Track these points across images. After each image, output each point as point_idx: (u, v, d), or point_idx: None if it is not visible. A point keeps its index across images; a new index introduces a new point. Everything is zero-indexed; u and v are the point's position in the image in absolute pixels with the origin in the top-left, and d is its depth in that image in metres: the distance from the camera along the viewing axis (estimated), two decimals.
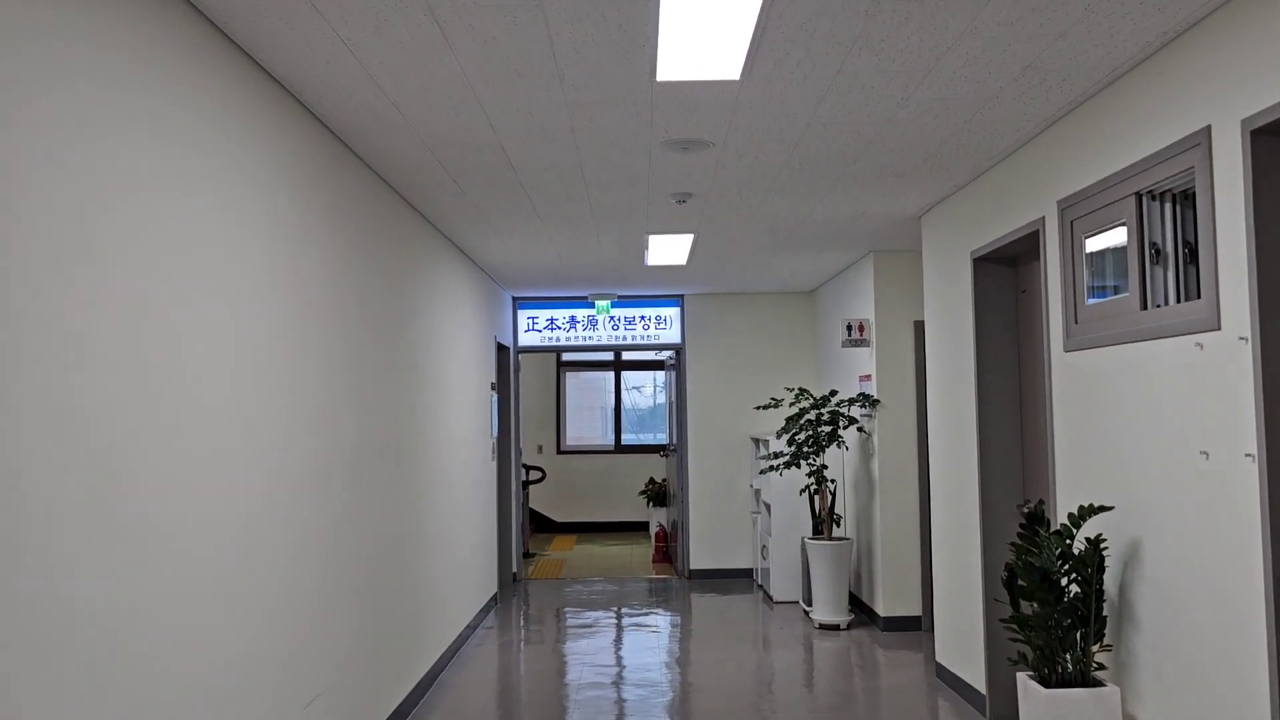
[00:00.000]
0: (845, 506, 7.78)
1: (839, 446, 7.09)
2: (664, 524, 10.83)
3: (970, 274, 4.90)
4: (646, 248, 6.68)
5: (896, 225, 6.02)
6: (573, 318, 9.24)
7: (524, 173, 4.60)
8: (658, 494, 11.26)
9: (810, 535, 7.31)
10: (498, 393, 8.64)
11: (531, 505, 12.85)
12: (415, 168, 4.50)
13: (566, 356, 13.13)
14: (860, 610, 7.36)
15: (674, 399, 9.53)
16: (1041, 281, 4.08)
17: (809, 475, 7.14)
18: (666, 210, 5.50)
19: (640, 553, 11.18)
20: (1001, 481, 4.78)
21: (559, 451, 12.98)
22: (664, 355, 9.91)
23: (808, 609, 7.30)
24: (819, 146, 4.28)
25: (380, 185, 4.62)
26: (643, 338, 9.21)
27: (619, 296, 9.15)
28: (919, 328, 6.88)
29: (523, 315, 9.24)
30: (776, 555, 7.94)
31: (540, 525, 12.91)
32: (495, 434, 8.03)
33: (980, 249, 4.76)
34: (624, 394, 13.28)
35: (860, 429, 7.18)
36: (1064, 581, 3.44)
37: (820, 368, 8.90)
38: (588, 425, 13.54)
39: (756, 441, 8.90)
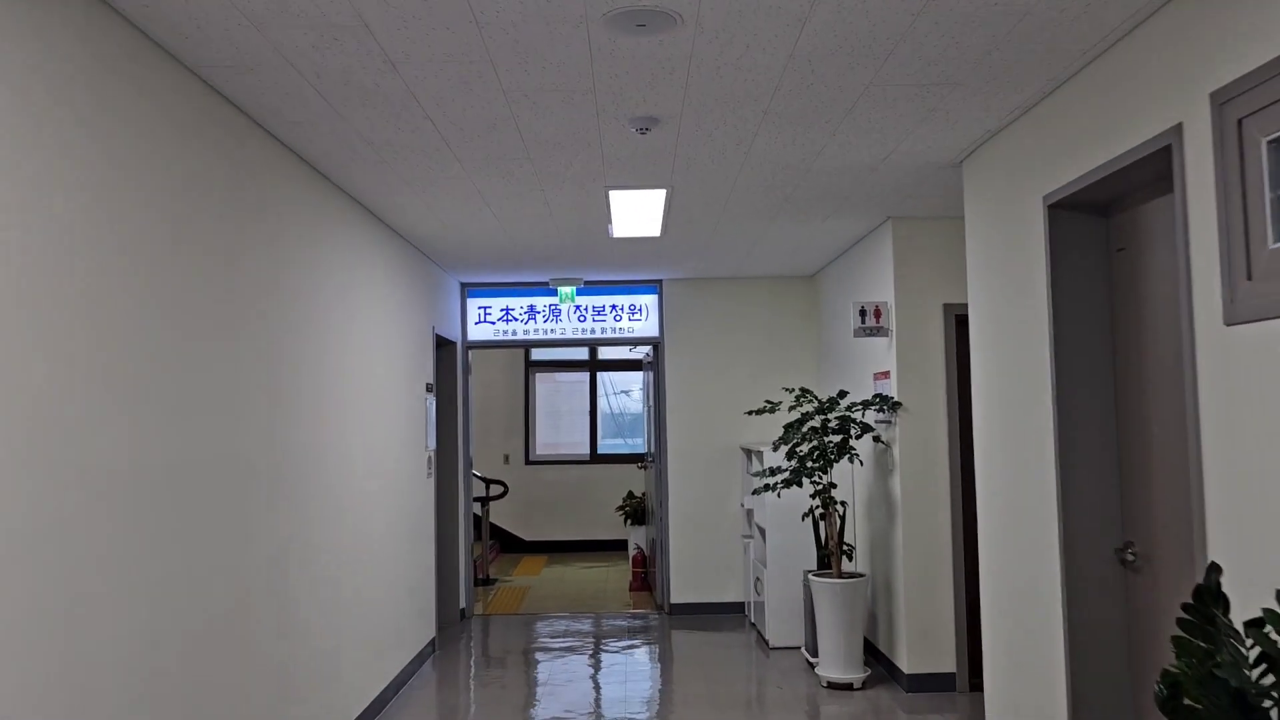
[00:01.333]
0: (858, 535, 6.39)
1: (850, 460, 5.71)
2: (642, 546, 9.44)
3: (1043, 227, 3.52)
4: (610, 212, 5.30)
5: (926, 179, 4.66)
6: (532, 307, 7.86)
7: (409, 73, 3.22)
8: (636, 511, 9.88)
9: (815, 570, 5.93)
10: (438, 395, 7.25)
11: (497, 523, 11.46)
12: (250, 66, 3.11)
13: (536, 355, 11.74)
14: (878, 662, 5.97)
15: (652, 402, 8.14)
16: (1179, 223, 2.71)
17: (813, 496, 5.76)
18: (627, 147, 4.12)
19: (617, 577, 9.79)
20: (1092, 517, 3.40)
21: (528, 462, 11.59)
22: (640, 352, 8.53)
23: (812, 660, 5.91)
24: (836, 28, 2.91)
25: (226, 109, 3.24)
26: (615, 331, 7.83)
27: (585, 282, 7.77)
28: (951, 312, 5.51)
29: (473, 305, 7.85)
30: (773, 591, 6.56)
31: (507, 544, 11.51)
32: (433, 445, 6.64)
33: (1059, 191, 3.39)
34: (601, 398, 11.89)
35: (877, 438, 5.80)
36: (1267, 705, 2.06)
37: (825, 367, 7.53)
38: (561, 432, 12.15)
39: (749, 453, 7.53)
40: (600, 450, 11.72)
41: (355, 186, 4.71)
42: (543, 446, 12.02)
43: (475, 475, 9.92)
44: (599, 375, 11.83)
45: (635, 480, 11.35)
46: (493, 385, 11.58)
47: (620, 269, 7.32)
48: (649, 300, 7.87)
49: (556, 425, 12.21)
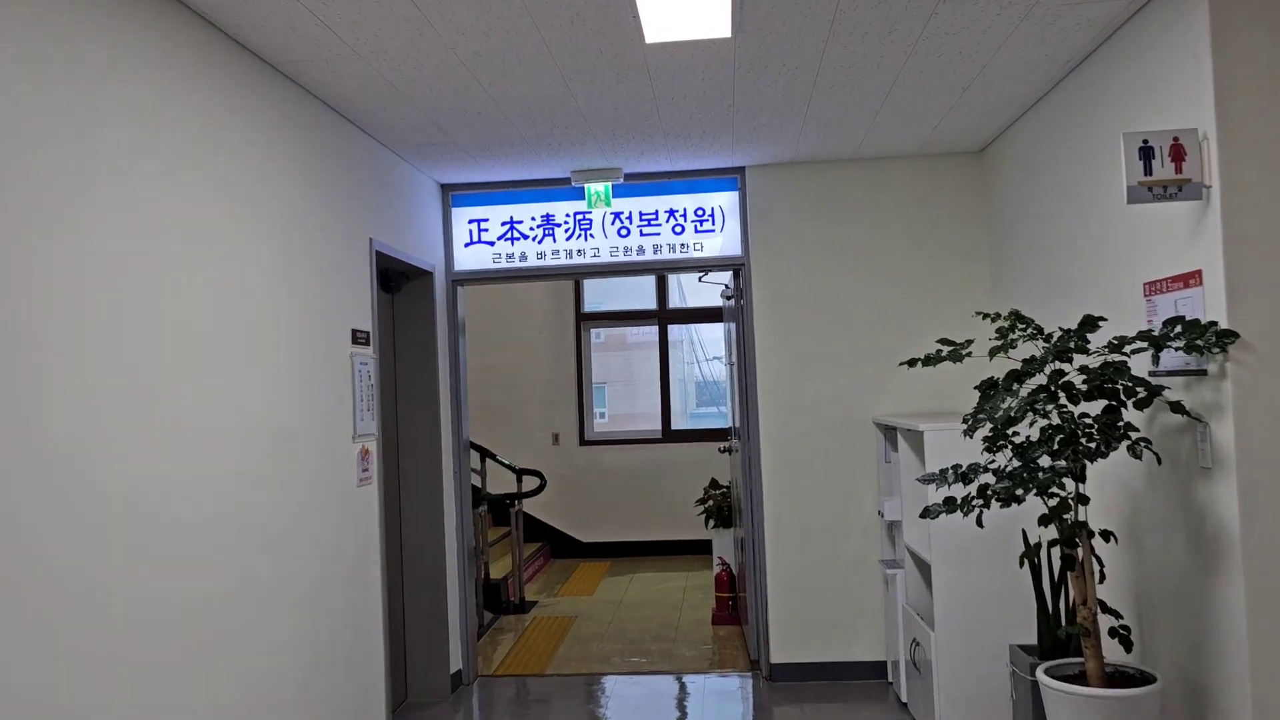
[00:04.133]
0: (1125, 594, 3.56)
1: (1133, 452, 2.88)
2: (729, 561, 6.78)
3: None
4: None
5: None
6: (548, 218, 5.20)
7: None
8: (719, 509, 7.20)
9: (1045, 661, 3.17)
10: (397, 351, 4.69)
11: (545, 520, 8.93)
12: None
13: (589, 303, 9.11)
14: None
15: (734, 357, 5.43)
16: None
17: (1046, 520, 2.99)
18: None
19: (696, 597, 7.16)
20: None
21: (583, 442, 9.01)
22: (714, 281, 5.78)
23: None
24: None
25: None
26: (674, 250, 5.13)
27: (625, 176, 5.09)
28: None
29: (460, 218, 5.24)
30: (948, 670, 3.82)
31: (560, 548, 8.98)
32: (371, 429, 4.07)
33: None
34: (676, 360, 9.21)
35: (1178, 407, 2.94)
36: None
37: (1009, 289, 4.69)
38: (627, 403, 9.55)
39: (888, 432, 4.78)
40: (675, 425, 9.06)
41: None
42: (601, 424, 9.43)
43: (501, 463, 7.38)
44: (670, 330, 9.14)
45: (720, 464, 8.68)
46: (532, 345, 9.01)
47: (678, 149, 4.62)
48: (724, 200, 5.14)
49: (620, 395, 9.60)
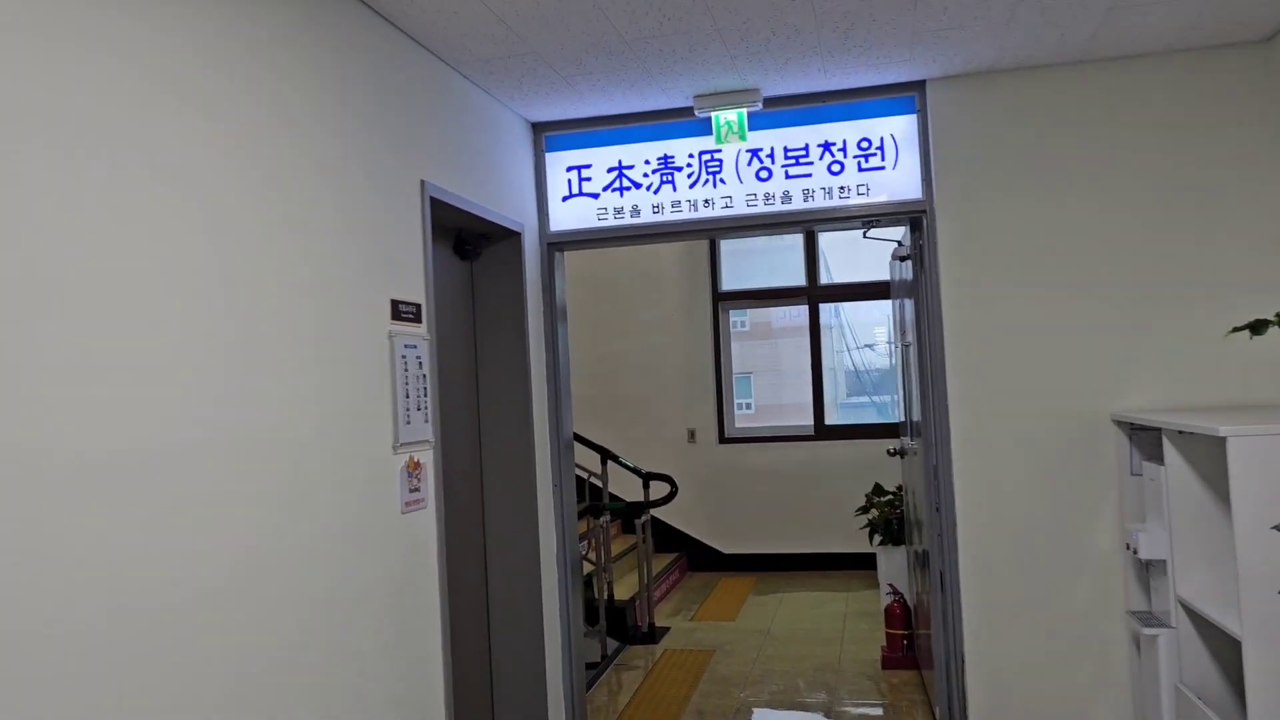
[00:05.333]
0: None
1: None
2: (902, 591, 5.50)
3: None
4: None
5: None
6: (665, 159, 4.07)
7: None
8: (887, 523, 5.92)
9: None
10: (468, 329, 3.67)
11: (682, 528, 7.83)
12: None
13: (727, 281, 7.94)
14: None
15: (915, 334, 4.16)
16: None
17: None
18: None
19: (860, 624, 5.91)
20: None
21: (723, 439, 7.86)
22: (882, 236, 4.48)
23: None
24: None
25: None
26: (831, 195, 3.91)
27: (764, 103, 3.89)
28: None
29: (556, 165, 4.17)
30: None
31: (698, 559, 7.87)
32: (429, 435, 3.04)
33: None
34: (828, 346, 7.94)
35: None
36: None
37: None
38: (774, 394, 8.35)
39: (1140, 435, 3.43)
40: (830, 421, 7.79)
41: None
42: (746, 414, 8.25)
43: (625, 466, 6.32)
44: (822, 310, 7.86)
45: (887, 468, 7.37)
46: (664, 328, 7.91)
47: (834, 56, 3.40)
48: (898, 126, 3.87)
49: (766, 386, 8.40)
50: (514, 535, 3.87)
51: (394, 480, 2.82)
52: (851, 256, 7.86)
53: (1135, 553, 3.26)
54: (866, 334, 8.34)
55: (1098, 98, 3.68)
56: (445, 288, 3.66)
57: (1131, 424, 3.51)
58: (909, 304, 4.21)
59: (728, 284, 7.91)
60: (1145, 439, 3.47)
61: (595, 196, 4.11)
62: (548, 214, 4.14)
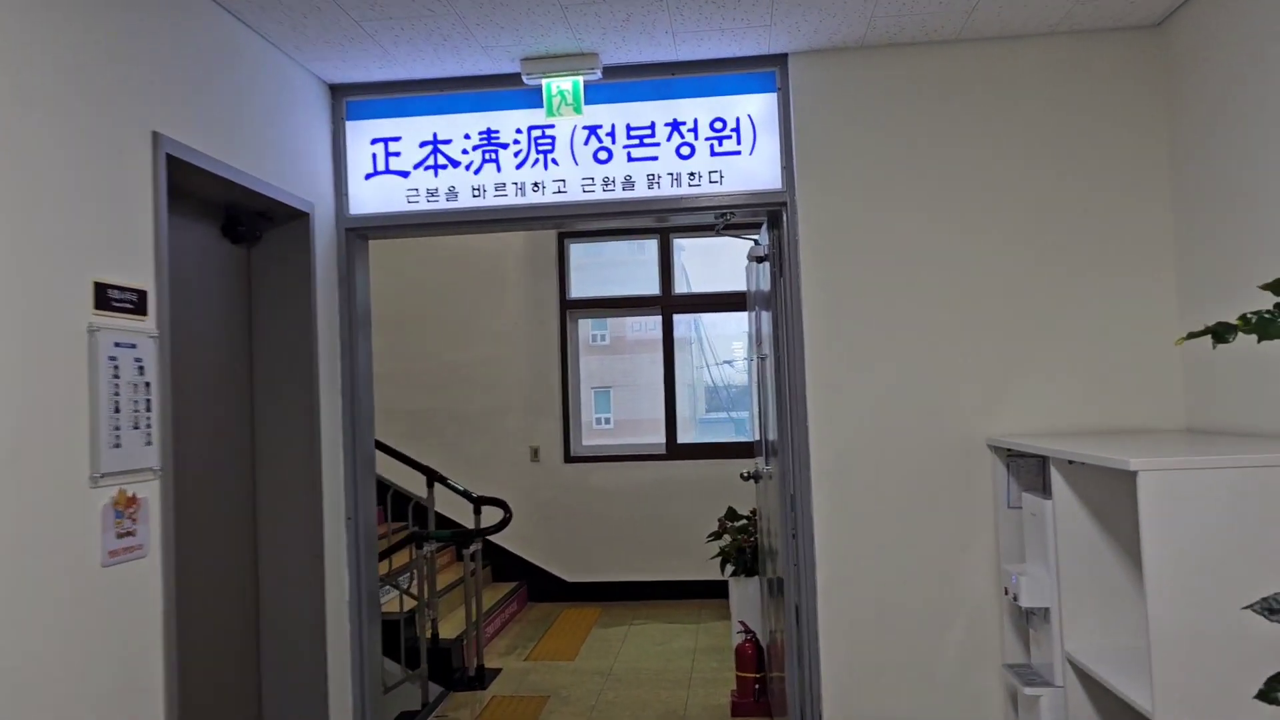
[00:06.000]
0: None
1: None
2: (753, 629, 5.02)
3: None
4: None
5: None
6: (489, 134, 3.45)
7: None
8: (739, 552, 5.44)
9: None
10: (231, 332, 2.96)
11: (523, 555, 7.18)
12: None
13: (576, 287, 7.36)
14: None
15: (772, 345, 3.66)
16: None
17: None
18: None
19: (710, 661, 5.39)
20: None
21: (569, 458, 7.26)
22: (739, 234, 3.94)
23: None
24: None
25: None
26: (675, 181, 3.38)
27: (604, 73, 3.34)
28: None
29: (359, 137, 3.49)
30: None
31: (539, 589, 7.22)
32: (145, 463, 2.32)
33: None
34: (682, 361, 7.45)
35: None
36: None
37: (1211, 229, 2.92)
38: (622, 410, 7.83)
39: (1019, 463, 3.02)
40: (689, 438, 7.30)
41: None
42: (591, 437, 7.68)
43: (454, 489, 5.63)
44: (675, 321, 7.38)
45: (742, 490, 6.93)
46: (505, 334, 7.26)
47: (686, 21, 2.87)
48: (756, 105, 3.38)
49: (613, 401, 7.87)
50: (295, 580, 3.16)
51: (91, 522, 2.10)
52: (712, 267, 7.44)
53: (1015, 599, 2.83)
54: (726, 349, 7.94)
55: (973, 81, 3.28)
56: (205, 274, 2.94)
57: (1009, 450, 3.10)
58: (766, 312, 3.72)
59: (577, 291, 7.34)
60: (1024, 467, 3.07)
61: (405, 175, 3.46)
62: (346, 193, 3.46)
